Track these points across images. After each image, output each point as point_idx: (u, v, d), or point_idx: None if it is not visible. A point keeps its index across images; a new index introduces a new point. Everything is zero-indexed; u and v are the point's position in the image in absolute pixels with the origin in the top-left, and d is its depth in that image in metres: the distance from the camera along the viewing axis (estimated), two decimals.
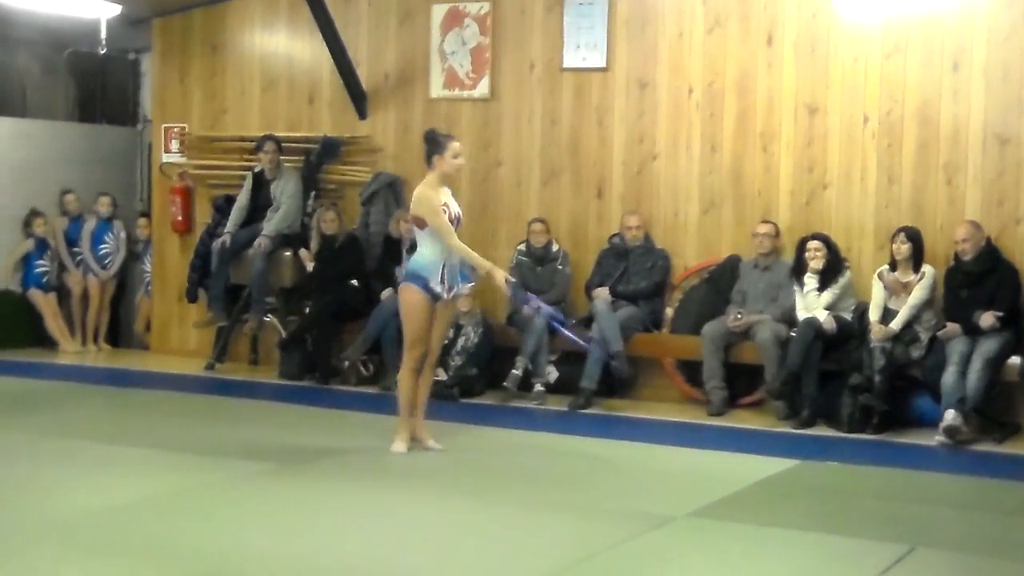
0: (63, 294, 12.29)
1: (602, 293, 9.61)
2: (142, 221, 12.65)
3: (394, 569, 5.26)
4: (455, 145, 7.40)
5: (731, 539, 5.83)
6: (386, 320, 9.97)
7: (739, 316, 9.19)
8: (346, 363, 10.28)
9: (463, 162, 7.57)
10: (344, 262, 10.53)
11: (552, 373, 9.72)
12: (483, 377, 9.85)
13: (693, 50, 9.88)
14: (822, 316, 8.81)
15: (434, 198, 7.30)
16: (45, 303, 12.12)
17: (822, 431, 8.61)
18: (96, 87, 13.43)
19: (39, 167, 12.47)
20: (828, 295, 8.92)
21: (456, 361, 9.81)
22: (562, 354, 9.82)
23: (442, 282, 7.35)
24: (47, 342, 12.12)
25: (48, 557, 5.27)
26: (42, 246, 12.15)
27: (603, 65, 10.16)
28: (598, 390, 9.40)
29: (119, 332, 12.79)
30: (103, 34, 11.43)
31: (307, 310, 10.57)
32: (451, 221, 7.32)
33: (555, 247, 10.07)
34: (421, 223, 7.34)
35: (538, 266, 10.01)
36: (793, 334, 8.89)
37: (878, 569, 5.32)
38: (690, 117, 9.89)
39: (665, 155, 10.00)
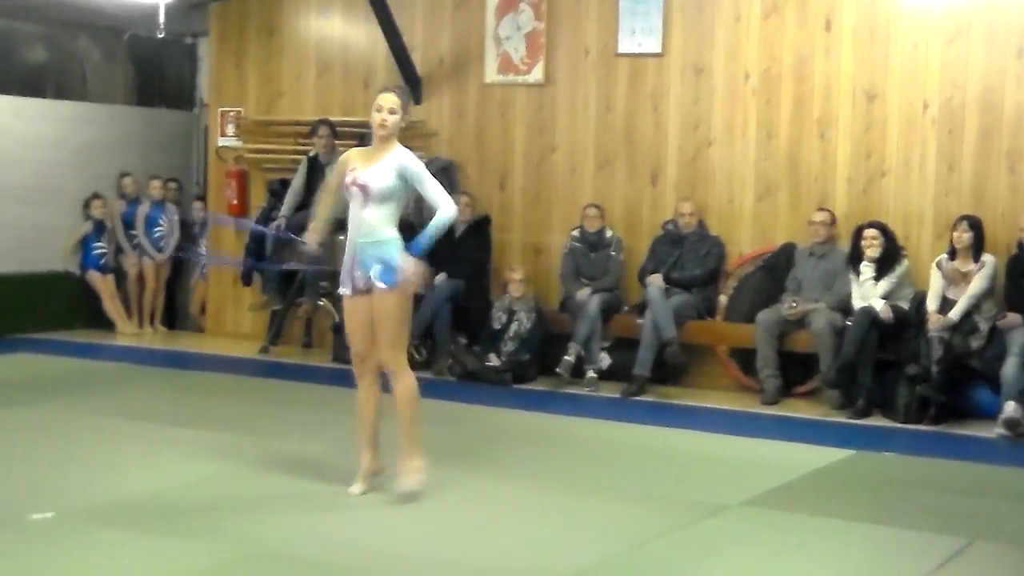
0: (120, 276, 12.40)
1: (656, 280, 9.56)
2: (198, 204, 12.73)
3: (440, 554, 5.27)
4: (377, 98, 6.01)
5: (784, 529, 5.79)
6: (440, 305, 9.98)
7: (794, 304, 9.10)
8: None
9: (384, 118, 5.95)
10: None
11: (605, 360, 9.68)
12: (535, 363, 9.83)
13: (750, 35, 9.78)
14: (878, 305, 8.70)
15: (341, 163, 6.13)
16: (103, 285, 12.23)
17: (878, 421, 8.51)
18: (154, 71, 13.52)
19: (98, 150, 12.59)
20: (885, 284, 8.81)
21: (508, 347, 9.81)
22: (615, 341, 9.78)
23: (349, 272, 6.05)
24: (105, 323, 12.23)
25: (107, 537, 5.34)
26: (100, 228, 12.26)
27: (659, 50, 10.09)
28: (651, 377, 9.36)
29: (175, 314, 12.88)
30: (161, 19, 11.49)
31: None
32: (346, 186, 5.98)
33: (609, 233, 10.02)
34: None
35: (592, 252, 9.97)
36: (849, 323, 8.79)
37: (935, 562, 5.25)
38: (746, 103, 9.80)
39: (720, 141, 9.92)
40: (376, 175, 5.90)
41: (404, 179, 5.93)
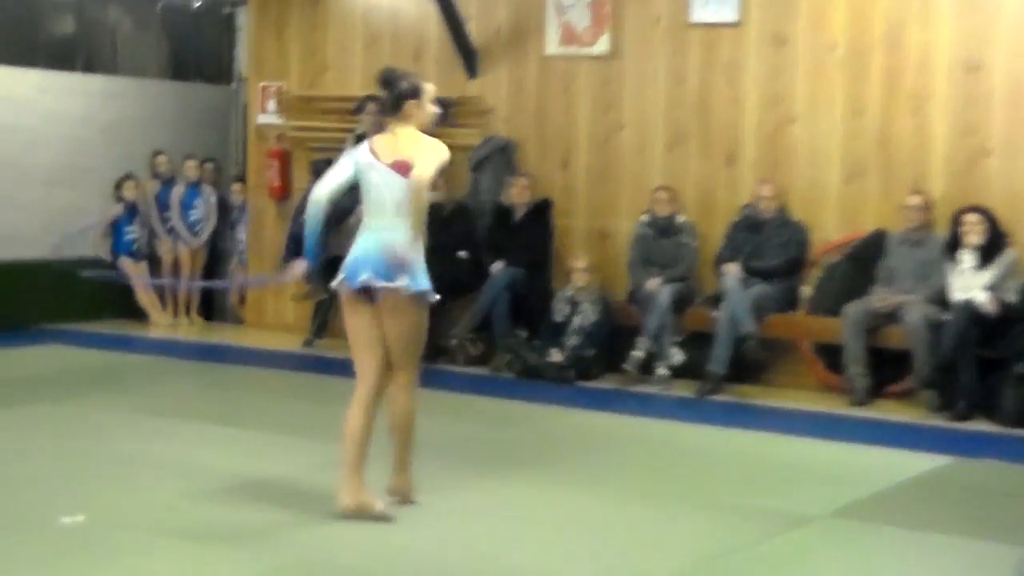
0: (154, 263, 12.52)
1: (732, 269, 9.50)
2: (236, 186, 12.82)
3: (494, 567, 5.28)
4: (431, 87, 6.01)
5: (876, 543, 5.74)
6: (497, 295, 9.99)
7: (886, 296, 9.01)
8: (454, 341, 10.31)
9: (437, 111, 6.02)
10: (452, 232, 10.54)
11: (677, 355, 9.64)
12: (601, 359, 9.81)
13: (837, 2, 9.69)
14: (981, 297, 8.59)
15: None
16: (135, 272, 12.34)
17: (979, 425, 8.41)
18: (189, 43, 13.62)
19: (130, 127, 12.71)
20: (988, 274, 8.70)
21: (571, 341, 9.79)
22: (688, 335, 9.74)
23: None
24: (137, 314, 12.35)
25: (141, 543, 5.39)
26: (132, 211, 12.38)
27: (735, 19, 10.02)
28: (727, 375, 9.31)
29: (212, 304, 12.99)
30: None
31: None
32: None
33: (681, 218, 9.98)
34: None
35: (662, 238, 9.93)
36: (947, 317, 8.69)
37: None
38: (832, 76, 9.71)
39: (803, 118, 9.83)
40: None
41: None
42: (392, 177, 5.78)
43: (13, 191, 11.79)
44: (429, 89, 5.94)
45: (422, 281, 5.80)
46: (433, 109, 5.96)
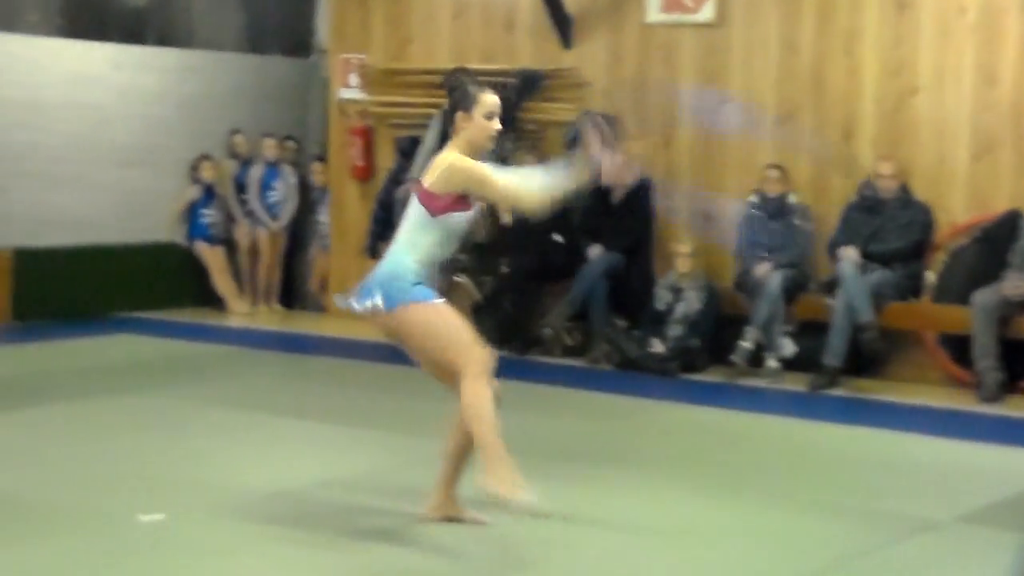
0: (231, 247, 12.66)
1: (849, 254, 9.41)
2: (317, 166, 12.91)
3: (619, 570, 5.27)
4: (489, 99, 5.58)
5: (1009, 551, 5.63)
6: (594, 282, 9.97)
7: (1019, 283, 8.88)
8: (548, 331, 10.32)
9: (497, 128, 5.59)
10: (545, 214, 10.50)
11: (789, 347, 9.57)
12: (707, 350, 9.78)
13: None
14: None
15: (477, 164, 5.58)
16: (212, 257, 12.49)
17: None
18: (267, 14, 13.74)
19: (206, 104, 12.85)
20: None
21: (675, 331, 9.75)
22: (801, 325, 9.66)
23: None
24: (214, 301, 12.50)
25: (222, 540, 5.47)
26: (209, 193, 12.52)
27: None
28: (844, 368, 9.23)
29: (292, 291, 13.11)
30: None
31: (504, 269, 10.63)
32: (473, 219, 5.69)
33: (792, 198, 9.90)
34: (441, 203, 5.52)
35: (772, 221, 9.85)
36: None
37: None
38: (961, 43, 9.58)
39: (928, 89, 9.71)
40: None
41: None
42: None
43: (85, 172, 12.00)
44: (485, 101, 5.54)
45: (397, 295, 5.47)
46: (489, 125, 5.55)
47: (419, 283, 5.50)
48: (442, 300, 5.52)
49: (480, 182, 5.49)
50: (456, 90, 5.60)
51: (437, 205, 5.49)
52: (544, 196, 5.62)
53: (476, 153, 5.58)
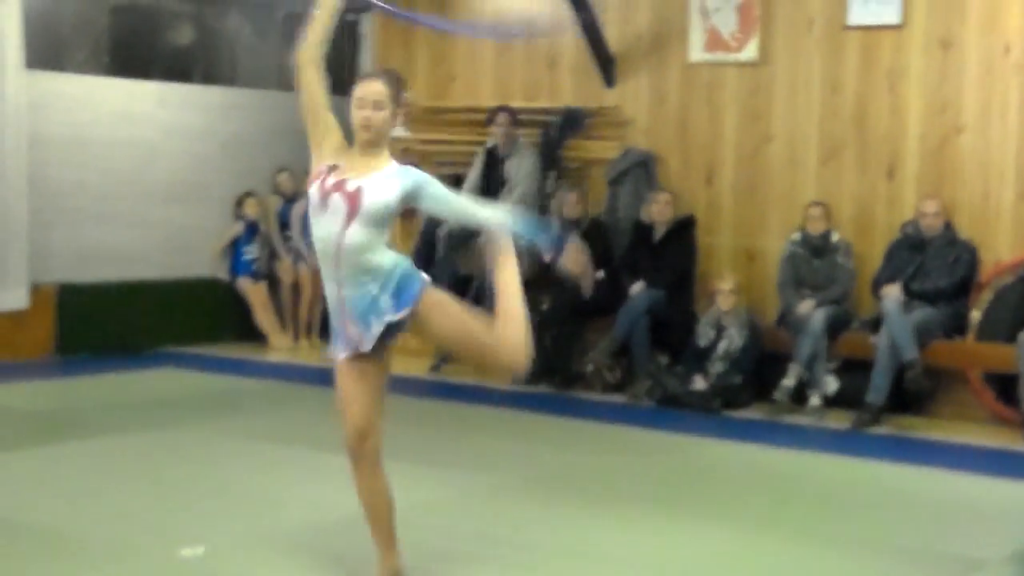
0: (274, 283, 12.71)
1: (893, 291, 9.36)
2: None
3: None
4: (357, 89, 5.23)
5: None
6: (636, 318, 9.95)
7: None
8: (590, 367, 10.30)
9: (368, 116, 5.12)
10: (588, 251, 10.49)
11: (832, 384, 9.52)
12: (749, 387, 9.74)
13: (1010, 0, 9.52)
14: None
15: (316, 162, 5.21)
16: (254, 293, 12.55)
17: None
18: None
19: (249, 142, 12.94)
20: None
21: (717, 367, 9.72)
22: (844, 362, 9.61)
23: (339, 329, 5.11)
24: (256, 336, 12.55)
25: (264, 572, 5.46)
26: (252, 230, 12.59)
27: (897, 21, 9.90)
28: (887, 406, 9.18)
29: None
30: None
31: (545, 306, 10.61)
32: (324, 190, 5.04)
33: (835, 236, 9.86)
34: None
35: (815, 258, 9.81)
36: None
37: None
38: (1006, 81, 9.54)
39: (973, 127, 9.67)
40: (376, 186, 4.99)
41: (411, 202, 5.07)
42: None
43: (130, 208, 12.09)
44: (354, 91, 5.23)
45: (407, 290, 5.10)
46: (353, 113, 5.19)
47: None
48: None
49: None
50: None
51: None
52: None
53: (364, 142, 5.12)
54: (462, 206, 5.24)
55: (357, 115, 5.11)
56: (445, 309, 5.17)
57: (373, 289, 4.99)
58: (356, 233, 4.94)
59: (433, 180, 5.15)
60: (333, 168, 5.08)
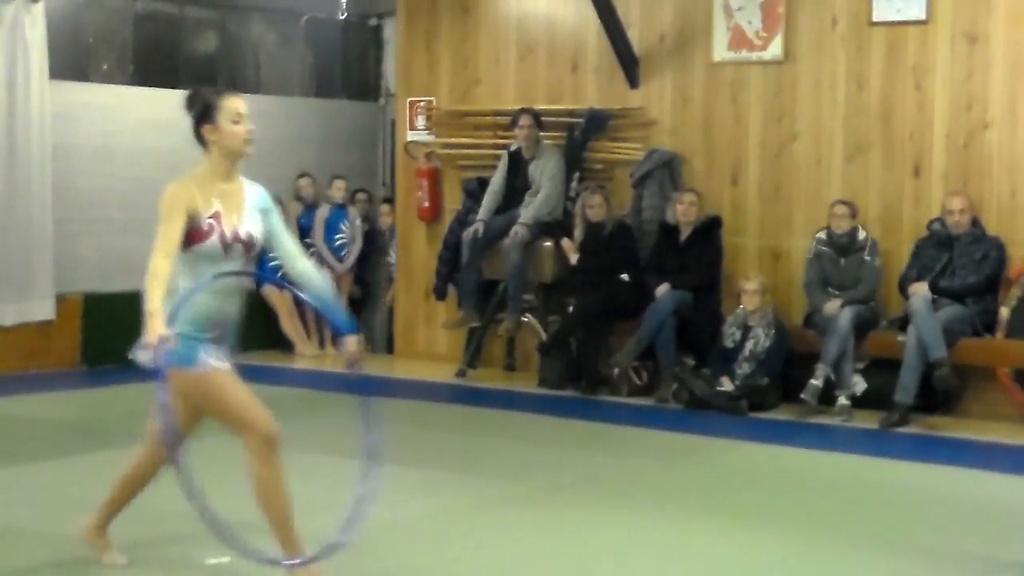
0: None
1: (920, 289, 9.34)
2: (385, 208, 13.00)
3: None
4: (232, 104, 5.25)
5: None
6: (662, 320, 9.96)
7: None
8: (616, 370, 10.32)
9: (248, 129, 5.28)
10: (613, 253, 10.55)
11: (859, 384, 9.52)
12: (776, 387, 9.74)
13: None
14: None
15: (178, 195, 5.23)
16: (280, 301, 12.58)
17: None
18: (335, 58, 13.91)
19: (273, 148, 12.95)
20: None
21: (744, 368, 9.72)
22: (871, 361, 9.60)
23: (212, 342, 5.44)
24: (282, 344, 12.59)
25: None
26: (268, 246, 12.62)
27: (923, 17, 9.88)
28: (916, 405, 9.17)
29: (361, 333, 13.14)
30: None
31: (570, 309, 10.64)
32: (225, 243, 5.26)
33: (862, 235, 9.85)
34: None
35: (841, 257, 9.81)
36: None
37: None
38: None
39: (1000, 124, 9.65)
40: (252, 222, 5.38)
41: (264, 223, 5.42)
42: None
43: (155, 217, 12.13)
44: (228, 106, 5.25)
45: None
46: (238, 130, 5.25)
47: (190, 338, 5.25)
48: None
49: (160, 219, 5.21)
50: (193, 106, 5.25)
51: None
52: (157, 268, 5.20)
53: (234, 162, 5.32)
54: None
55: (240, 130, 5.23)
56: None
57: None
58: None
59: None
60: (216, 215, 5.23)
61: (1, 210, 10.92)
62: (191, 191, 5.22)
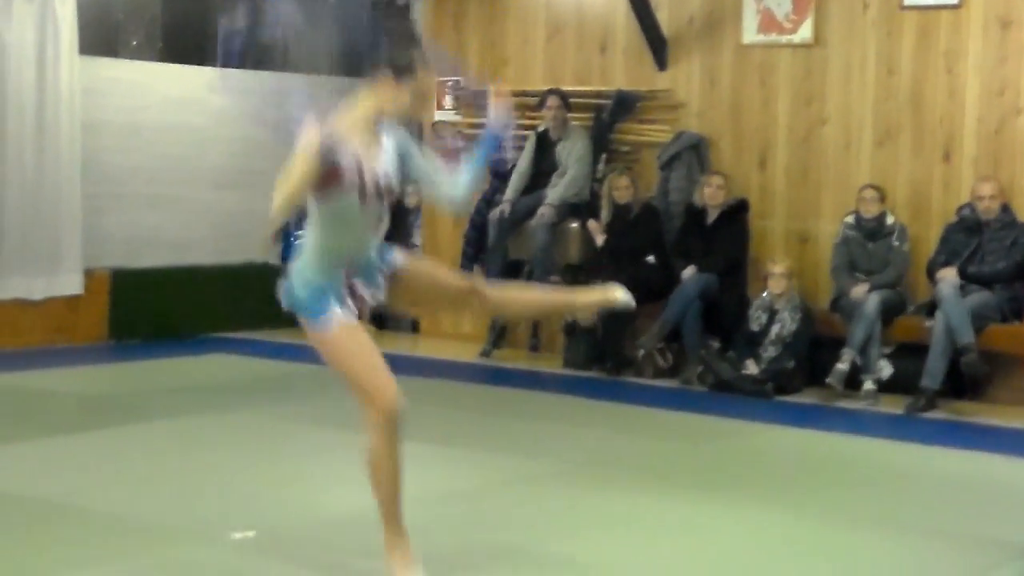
0: None
1: (949, 275, 9.30)
2: (410, 187, 12.98)
3: None
4: (429, 80, 5.36)
5: None
6: (688, 303, 9.94)
7: None
8: (641, 352, 10.30)
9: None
10: (639, 235, 10.54)
11: (886, 368, 9.48)
12: (801, 371, 9.71)
13: None
14: None
15: (313, 135, 5.05)
16: None
17: None
18: (362, 37, 13.88)
19: (300, 126, 12.98)
20: None
21: (769, 352, 9.69)
22: (898, 346, 9.57)
23: (349, 292, 5.19)
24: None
25: (314, 559, 5.51)
26: (302, 215, 12.63)
27: (955, 2, 9.83)
28: (942, 390, 9.14)
29: (385, 311, 13.14)
30: None
31: None
32: (363, 190, 5.11)
33: (890, 219, 9.81)
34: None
35: (869, 241, 9.77)
36: None
37: None
38: None
39: None
40: (387, 163, 5.20)
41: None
42: None
43: (182, 194, 12.19)
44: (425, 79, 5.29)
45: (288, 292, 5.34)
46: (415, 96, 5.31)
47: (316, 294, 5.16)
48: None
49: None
50: (404, 56, 5.23)
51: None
52: (289, 195, 5.11)
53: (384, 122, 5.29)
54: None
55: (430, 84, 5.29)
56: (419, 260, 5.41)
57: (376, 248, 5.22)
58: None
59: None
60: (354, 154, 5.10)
61: (30, 185, 10.96)
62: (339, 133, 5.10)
